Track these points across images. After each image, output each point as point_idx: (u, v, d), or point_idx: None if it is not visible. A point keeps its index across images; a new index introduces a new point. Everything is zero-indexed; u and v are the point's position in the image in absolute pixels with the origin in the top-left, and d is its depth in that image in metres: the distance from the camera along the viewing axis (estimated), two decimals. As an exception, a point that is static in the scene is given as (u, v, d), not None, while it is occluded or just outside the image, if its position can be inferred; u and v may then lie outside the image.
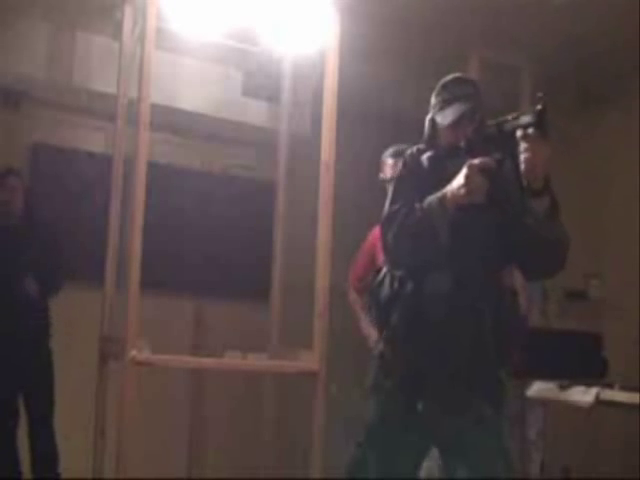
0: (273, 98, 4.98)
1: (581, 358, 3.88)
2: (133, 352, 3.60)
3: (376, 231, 3.48)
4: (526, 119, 2.10)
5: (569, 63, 4.63)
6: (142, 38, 3.79)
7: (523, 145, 2.10)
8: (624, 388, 3.44)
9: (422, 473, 2.53)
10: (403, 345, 2.33)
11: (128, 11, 4.25)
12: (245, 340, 4.29)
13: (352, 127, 4.79)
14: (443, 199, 2.20)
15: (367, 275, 3.34)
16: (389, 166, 3.32)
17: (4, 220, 4.28)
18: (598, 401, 3.48)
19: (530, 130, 2.08)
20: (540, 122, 2.08)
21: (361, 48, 4.45)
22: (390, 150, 3.40)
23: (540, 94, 2.09)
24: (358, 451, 2.76)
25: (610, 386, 3.52)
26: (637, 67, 4.52)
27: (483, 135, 2.22)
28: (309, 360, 3.96)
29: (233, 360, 3.99)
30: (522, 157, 2.10)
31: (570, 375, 3.68)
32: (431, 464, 2.72)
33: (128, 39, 4.27)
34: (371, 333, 3.42)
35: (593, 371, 3.78)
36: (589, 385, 3.55)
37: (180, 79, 4.77)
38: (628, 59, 4.46)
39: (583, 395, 3.55)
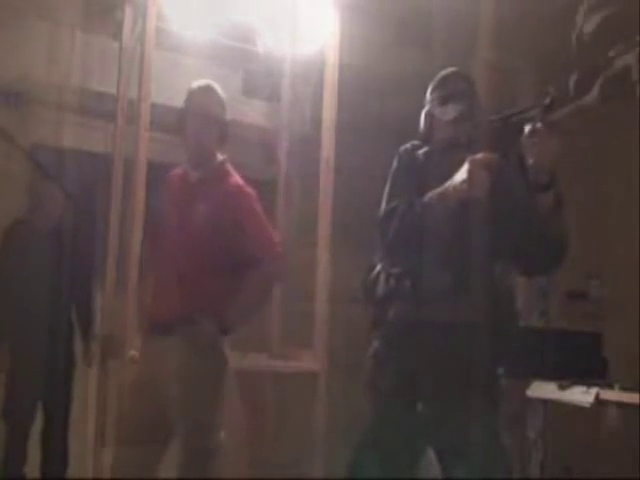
0: (273, 98, 4.98)
1: (581, 358, 3.87)
2: (132, 351, 3.60)
3: None
4: (534, 113, 2.10)
5: (570, 64, 4.63)
6: (142, 38, 3.80)
7: (532, 140, 2.09)
8: (624, 388, 3.44)
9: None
10: (400, 343, 2.33)
11: (128, 11, 4.25)
12: (245, 340, 4.29)
13: (351, 127, 4.79)
14: (444, 194, 2.18)
15: None
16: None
17: (45, 225, 4.36)
18: (598, 401, 3.48)
19: (539, 125, 2.08)
20: (548, 116, 2.08)
21: (361, 48, 4.45)
22: None
23: (549, 88, 2.08)
24: (356, 451, 2.76)
25: (610, 386, 3.52)
26: (637, 68, 4.52)
27: (486, 130, 2.21)
28: (309, 360, 3.96)
29: (233, 360, 3.98)
30: (531, 152, 2.09)
31: (570, 375, 3.68)
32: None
33: (128, 39, 4.27)
34: None
35: (593, 371, 3.78)
36: (589, 385, 3.54)
37: (180, 79, 4.77)
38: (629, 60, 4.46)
39: (583, 395, 3.55)
